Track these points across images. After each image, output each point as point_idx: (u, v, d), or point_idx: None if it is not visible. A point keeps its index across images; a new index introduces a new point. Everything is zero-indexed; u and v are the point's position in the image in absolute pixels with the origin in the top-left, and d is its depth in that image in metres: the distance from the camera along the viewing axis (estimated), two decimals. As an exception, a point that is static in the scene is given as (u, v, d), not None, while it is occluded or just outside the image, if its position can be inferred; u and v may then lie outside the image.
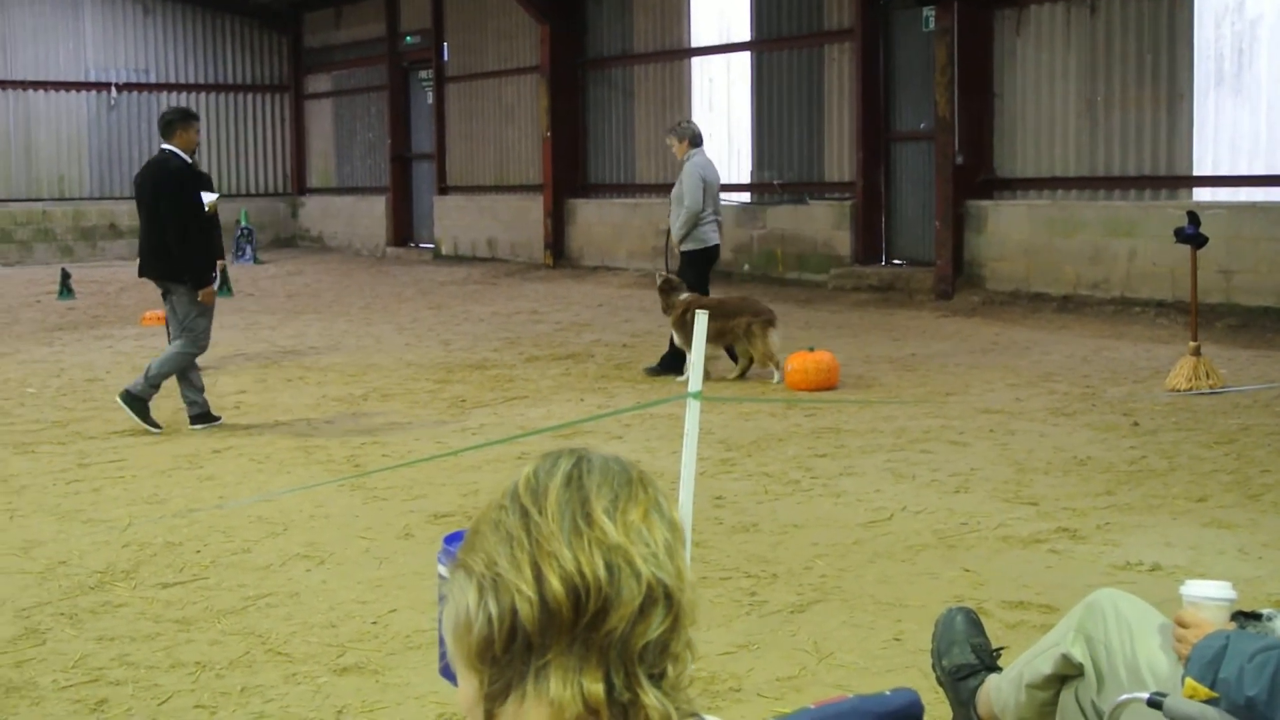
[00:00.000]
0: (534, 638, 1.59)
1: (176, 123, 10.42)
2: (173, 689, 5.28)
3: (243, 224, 28.82)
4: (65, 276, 21.42)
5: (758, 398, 11.44)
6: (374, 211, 29.70)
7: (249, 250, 28.31)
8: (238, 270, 24.81)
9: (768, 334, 12.03)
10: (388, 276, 24.44)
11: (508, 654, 1.60)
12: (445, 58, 27.39)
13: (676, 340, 12.21)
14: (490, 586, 1.61)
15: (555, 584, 1.58)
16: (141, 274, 10.64)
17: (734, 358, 12.51)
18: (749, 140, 21.26)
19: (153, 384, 10.34)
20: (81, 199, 29.89)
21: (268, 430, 10.42)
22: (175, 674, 5.43)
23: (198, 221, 10.36)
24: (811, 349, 11.98)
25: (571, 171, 24.23)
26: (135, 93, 30.40)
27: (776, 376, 11.96)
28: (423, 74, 28.44)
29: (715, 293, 13.67)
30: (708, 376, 12.11)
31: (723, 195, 21.33)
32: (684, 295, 12.29)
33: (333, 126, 31.60)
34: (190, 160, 10.47)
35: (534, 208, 24.77)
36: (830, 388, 11.53)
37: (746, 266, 20.76)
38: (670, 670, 1.64)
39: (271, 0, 31.14)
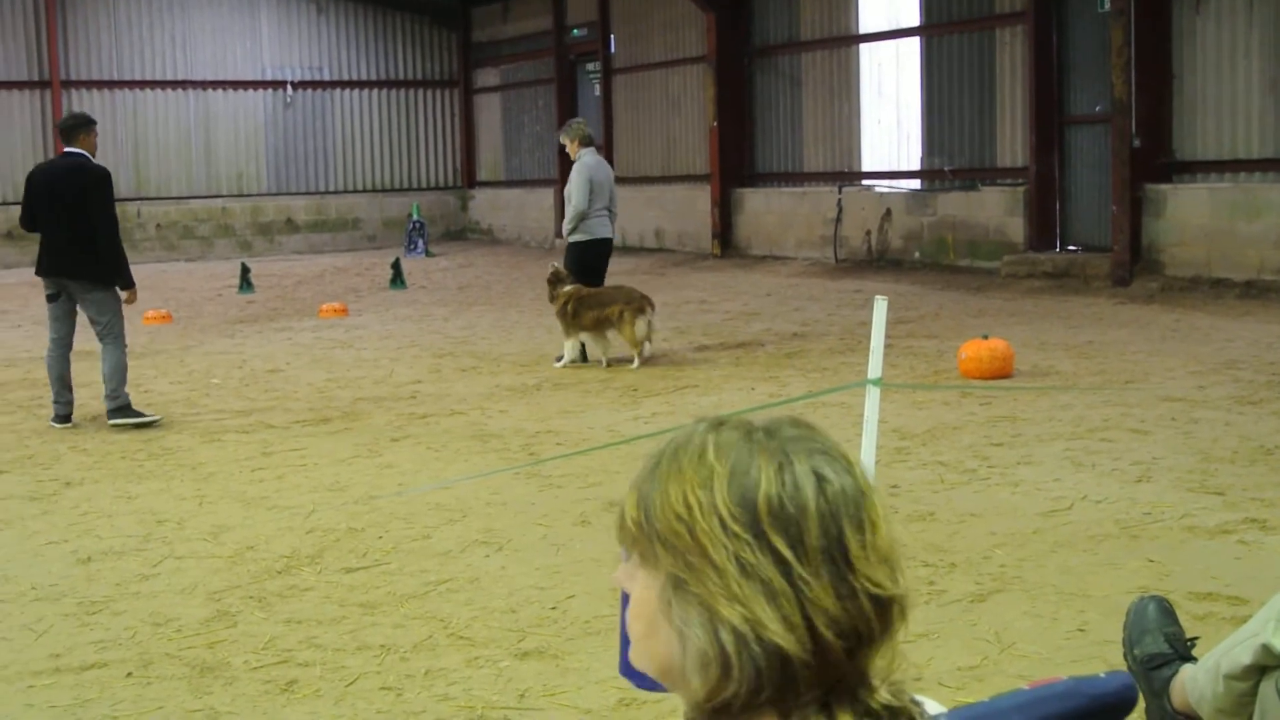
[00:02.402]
0: (801, 684, 1.54)
1: (80, 128, 10.67)
2: (359, 670, 5.40)
3: (414, 218, 29.29)
4: (245, 271, 22.00)
5: (932, 385, 11.31)
6: (542, 204, 29.96)
7: (420, 244, 28.77)
8: (410, 263, 25.23)
9: (635, 320, 12.67)
10: (556, 268, 24.62)
11: (774, 694, 1.55)
12: (612, 49, 27.51)
13: (561, 328, 12.99)
14: (755, 640, 1.52)
15: (831, 638, 1.53)
16: (50, 274, 10.55)
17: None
18: (919, 126, 21.02)
19: (116, 395, 10.50)
20: (259, 195, 30.65)
21: (444, 419, 10.59)
22: (361, 656, 5.55)
23: (116, 225, 10.61)
24: (986, 336, 11.80)
25: (739, 161, 24.20)
26: (310, 90, 31.07)
27: (635, 363, 12.79)
28: (590, 66, 28.62)
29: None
30: (606, 365, 12.62)
31: (893, 182, 21.49)
32: (567, 287, 12.84)
33: (501, 120, 31.94)
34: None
35: (701, 197, 24.79)
36: (1005, 376, 11.36)
37: (917, 254, 20.54)
38: (893, 664, 1.62)
39: (441, -4, 31.63)
